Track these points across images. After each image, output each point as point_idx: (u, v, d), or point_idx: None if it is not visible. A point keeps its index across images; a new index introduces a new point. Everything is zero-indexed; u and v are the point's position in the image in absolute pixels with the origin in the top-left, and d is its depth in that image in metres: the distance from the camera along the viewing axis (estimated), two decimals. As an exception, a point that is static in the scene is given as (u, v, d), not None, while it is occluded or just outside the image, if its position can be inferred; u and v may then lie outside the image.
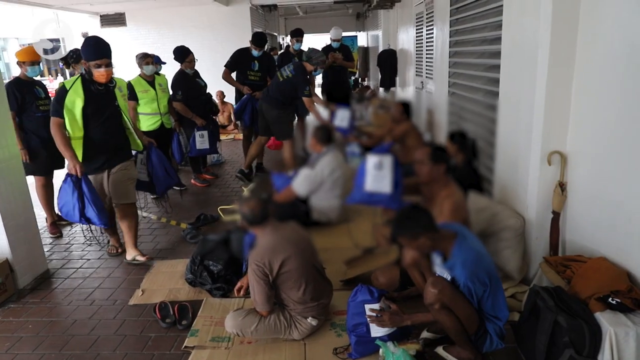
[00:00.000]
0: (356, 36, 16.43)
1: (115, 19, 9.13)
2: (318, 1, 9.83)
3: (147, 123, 4.85)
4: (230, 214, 4.12)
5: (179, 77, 5.01)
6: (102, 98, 3.14)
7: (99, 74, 3.05)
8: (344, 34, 15.32)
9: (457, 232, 2.06)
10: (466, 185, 2.99)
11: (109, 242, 3.68)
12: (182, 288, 3.03)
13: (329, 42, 6.78)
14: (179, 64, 5.11)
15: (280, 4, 9.76)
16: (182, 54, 5.08)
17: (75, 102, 3.01)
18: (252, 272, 2.23)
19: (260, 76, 5.58)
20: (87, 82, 3.07)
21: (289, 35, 6.58)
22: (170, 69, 5.22)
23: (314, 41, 15.18)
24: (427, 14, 5.74)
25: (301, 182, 3.69)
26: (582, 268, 2.22)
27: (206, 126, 5.09)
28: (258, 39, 5.58)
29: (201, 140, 5.13)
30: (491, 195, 3.36)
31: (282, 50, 10.28)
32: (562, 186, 2.57)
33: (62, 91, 3.03)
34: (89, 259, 3.59)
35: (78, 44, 8.22)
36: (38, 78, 4.04)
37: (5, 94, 3.13)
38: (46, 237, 4.00)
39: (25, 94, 3.72)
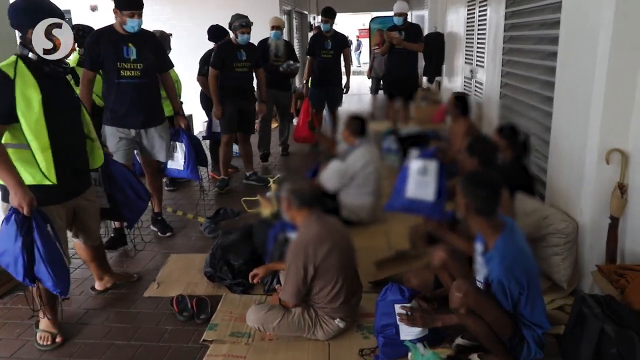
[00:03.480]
0: (397, 16, 16.52)
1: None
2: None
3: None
4: (255, 205, 4.29)
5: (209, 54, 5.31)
6: (61, 86, 2.61)
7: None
8: (380, 13, 15.44)
9: (506, 223, 2.23)
10: (515, 186, 3.13)
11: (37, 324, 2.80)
12: (200, 282, 3.29)
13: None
14: (213, 44, 5.46)
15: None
16: (220, 33, 5.45)
17: (31, 94, 2.35)
18: (292, 259, 2.44)
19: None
20: (37, 63, 2.42)
21: (319, 15, 6.74)
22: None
23: (349, 21, 15.33)
24: (480, -7, 5.85)
25: (330, 176, 3.89)
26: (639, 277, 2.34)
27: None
28: (329, 10, 6.06)
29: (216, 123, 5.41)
30: (542, 197, 3.47)
31: (313, 32, 10.53)
32: (622, 188, 2.65)
33: (3, 81, 2.33)
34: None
35: (86, 18, 8.65)
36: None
37: None
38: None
39: None
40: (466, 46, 6.78)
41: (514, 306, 2.16)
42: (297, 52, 6.85)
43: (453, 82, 7.98)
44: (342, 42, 6.37)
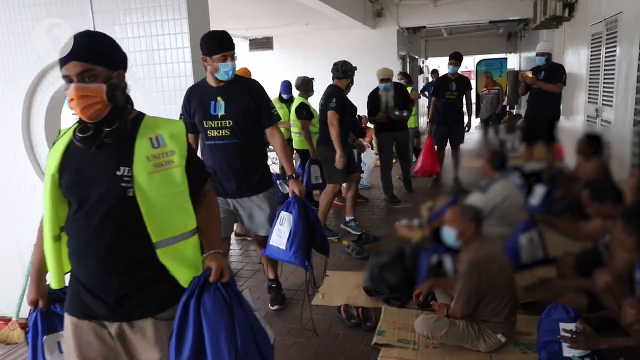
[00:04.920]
0: (506, 58, 16.53)
1: (262, 43, 10.66)
2: (471, 22, 10.34)
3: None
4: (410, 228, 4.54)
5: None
6: (89, 156, 1.64)
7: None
8: (490, 55, 15.44)
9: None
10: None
11: None
12: (358, 295, 3.67)
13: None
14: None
15: (429, 25, 10.49)
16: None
17: (50, 164, 1.68)
18: (467, 274, 2.72)
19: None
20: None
21: (427, 58, 7.07)
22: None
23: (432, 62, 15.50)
24: (607, 34, 5.90)
25: (472, 207, 4.14)
26: None
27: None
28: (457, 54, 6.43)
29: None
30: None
31: (432, 76, 10.96)
32: None
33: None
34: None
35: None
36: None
37: None
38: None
39: None
40: (589, 86, 6.77)
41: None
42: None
43: (572, 121, 7.91)
44: (466, 85, 6.67)
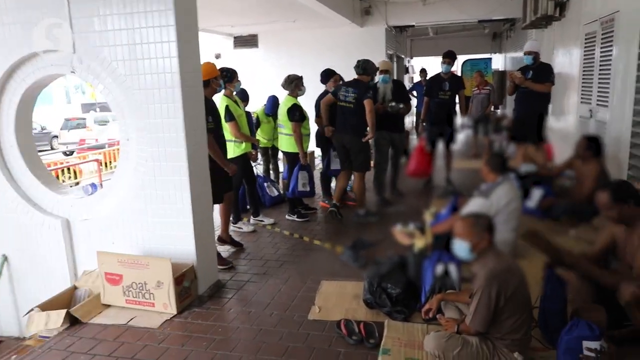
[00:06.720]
0: (490, 58, 16.48)
1: (247, 41, 10.35)
2: (459, 21, 10.19)
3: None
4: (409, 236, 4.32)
5: (323, 96, 5.71)
6: None
7: None
8: (474, 56, 15.40)
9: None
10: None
11: None
12: (357, 308, 3.41)
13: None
14: (324, 85, 5.87)
15: (418, 24, 10.30)
16: (328, 75, 5.86)
17: None
18: (485, 288, 2.48)
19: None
20: None
21: (412, 58, 6.92)
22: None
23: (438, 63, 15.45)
24: (602, 34, 5.76)
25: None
26: None
27: (337, 148, 5.58)
28: (450, 53, 6.41)
29: (336, 161, 5.74)
30: None
31: (422, 75, 10.78)
32: None
33: None
34: (255, 273, 4.15)
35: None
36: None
37: None
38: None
39: None
40: (582, 86, 6.64)
41: None
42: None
43: (563, 121, 7.80)
44: (458, 84, 6.46)
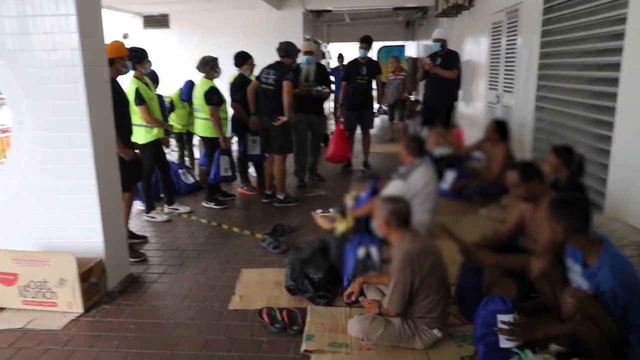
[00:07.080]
0: (404, 46, 16.93)
1: (158, 21, 9.78)
2: (375, 7, 10.30)
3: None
4: (330, 221, 4.26)
5: (239, 79, 5.64)
6: None
7: None
8: (388, 43, 15.84)
9: (602, 238, 2.32)
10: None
11: None
12: (280, 295, 3.33)
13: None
14: (238, 69, 5.75)
15: (335, 9, 10.27)
16: (243, 58, 5.73)
17: None
18: (400, 271, 2.50)
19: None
20: None
21: (329, 43, 6.99)
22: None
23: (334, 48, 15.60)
24: (508, 23, 6.06)
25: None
26: None
27: (259, 132, 5.51)
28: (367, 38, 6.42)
29: (253, 146, 5.65)
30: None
31: (339, 60, 10.77)
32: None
33: None
34: (171, 264, 3.93)
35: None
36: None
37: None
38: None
39: None
40: (490, 73, 6.97)
41: (622, 310, 2.23)
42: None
43: (472, 107, 8.16)
44: (376, 69, 6.53)
